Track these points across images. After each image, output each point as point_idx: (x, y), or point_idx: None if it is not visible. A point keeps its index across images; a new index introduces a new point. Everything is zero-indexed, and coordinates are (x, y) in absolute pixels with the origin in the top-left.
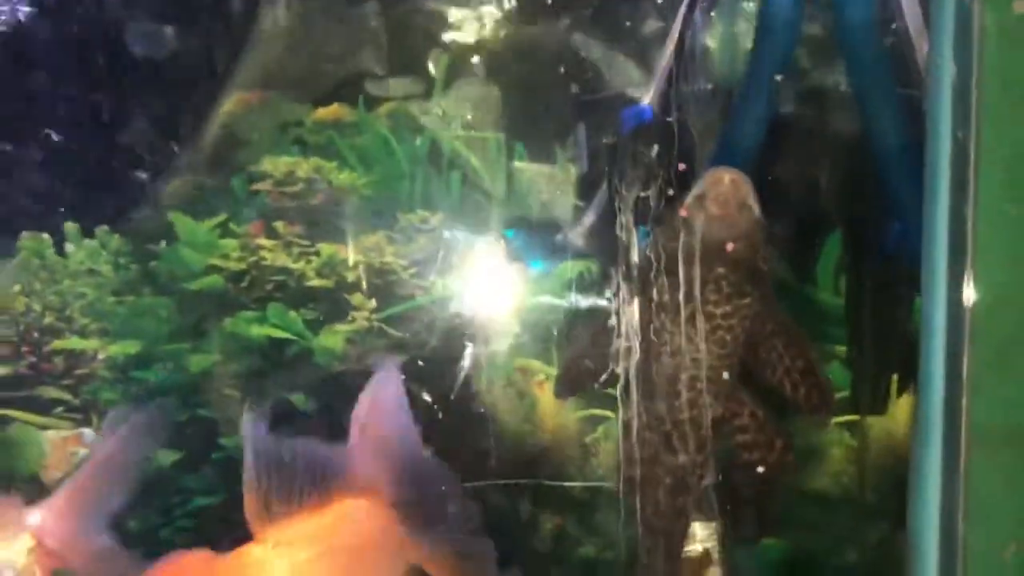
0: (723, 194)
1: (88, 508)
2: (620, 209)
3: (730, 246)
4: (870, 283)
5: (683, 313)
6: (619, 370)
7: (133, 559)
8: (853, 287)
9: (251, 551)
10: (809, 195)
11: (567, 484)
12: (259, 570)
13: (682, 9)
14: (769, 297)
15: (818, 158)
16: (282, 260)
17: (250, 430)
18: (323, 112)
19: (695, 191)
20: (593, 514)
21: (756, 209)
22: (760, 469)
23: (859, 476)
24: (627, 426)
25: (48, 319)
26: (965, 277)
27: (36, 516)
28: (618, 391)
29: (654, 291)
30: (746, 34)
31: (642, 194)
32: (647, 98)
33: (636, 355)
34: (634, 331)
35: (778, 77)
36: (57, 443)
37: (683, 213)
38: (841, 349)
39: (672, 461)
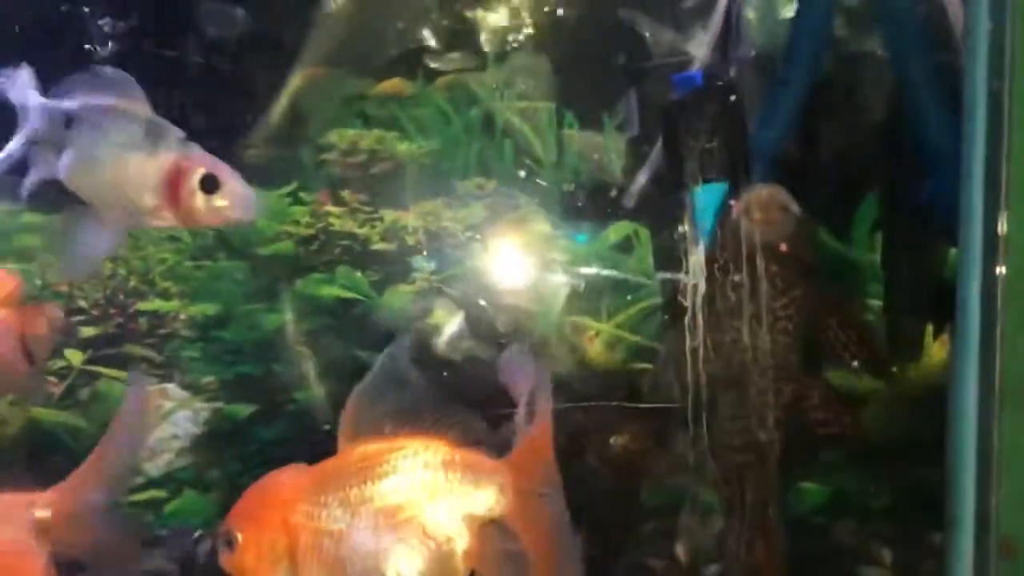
0: (763, 202)
1: (98, 489)
2: (684, 161)
3: (782, 247)
4: (905, 238)
5: (745, 314)
6: (687, 303)
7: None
8: (889, 243)
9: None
10: (847, 157)
11: (640, 406)
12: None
13: None
14: (817, 282)
15: (856, 121)
16: (348, 226)
17: (393, 349)
18: (385, 86)
19: (740, 205)
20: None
21: (795, 208)
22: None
23: (895, 420)
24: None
25: (133, 283)
26: (1000, 221)
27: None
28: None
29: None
30: (784, 3)
31: (707, 145)
32: (697, 64)
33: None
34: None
35: (819, 47)
36: None
37: (735, 220)
38: (877, 303)
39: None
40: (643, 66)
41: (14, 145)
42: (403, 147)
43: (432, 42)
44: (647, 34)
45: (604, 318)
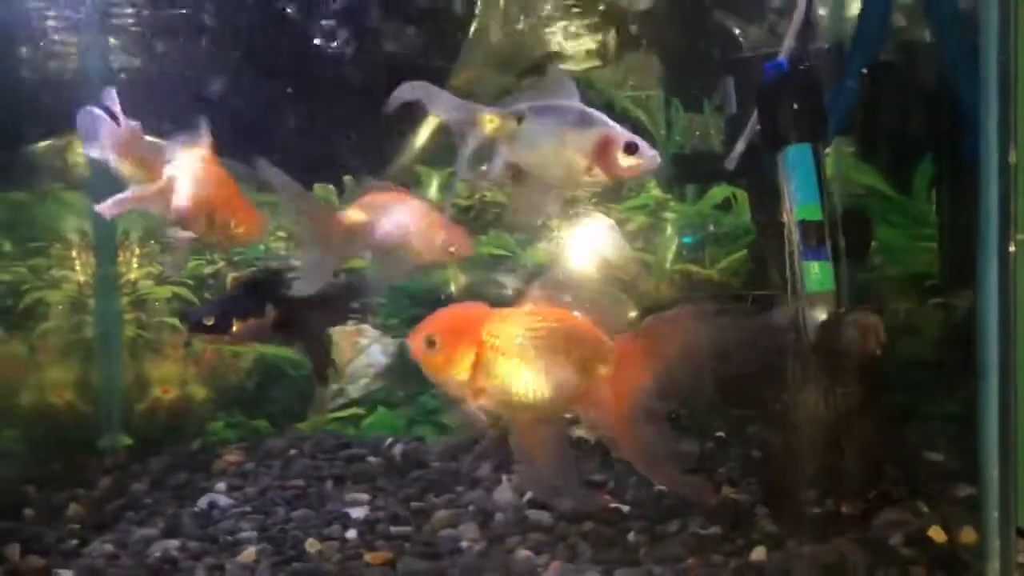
0: (867, 327)
1: None
2: (775, 129)
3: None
4: (955, 188)
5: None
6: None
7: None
8: (942, 193)
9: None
10: (906, 125)
11: None
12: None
13: None
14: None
15: (912, 95)
16: (499, 197)
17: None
18: (525, 83)
19: (849, 318)
20: None
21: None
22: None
23: (948, 341)
24: None
25: None
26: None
27: None
28: None
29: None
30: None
31: (793, 116)
32: (782, 54)
33: None
34: None
35: (880, 36)
36: (345, 335)
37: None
38: (932, 245)
39: None
40: (735, 57)
41: (466, 147)
42: None
43: (563, 46)
44: (737, 31)
45: (707, 265)
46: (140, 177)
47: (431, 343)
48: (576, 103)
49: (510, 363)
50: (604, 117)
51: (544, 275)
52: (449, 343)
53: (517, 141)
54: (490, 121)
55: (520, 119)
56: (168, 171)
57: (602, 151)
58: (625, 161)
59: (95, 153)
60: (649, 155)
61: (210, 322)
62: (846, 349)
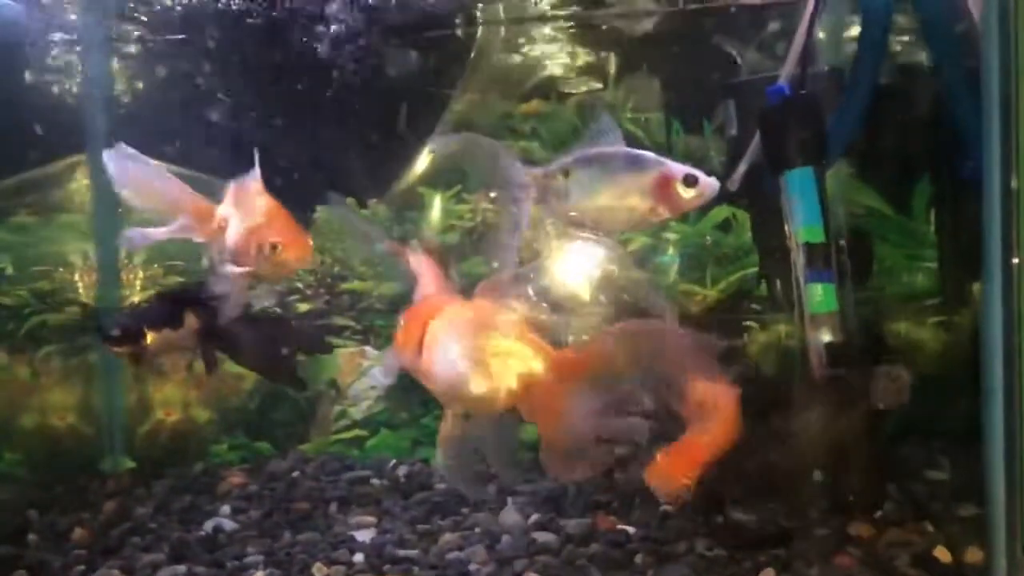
0: (896, 377)
1: None
2: (777, 153)
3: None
4: (954, 208)
5: None
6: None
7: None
8: (941, 213)
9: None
10: (905, 146)
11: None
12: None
13: (810, 7)
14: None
15: (911, 117)
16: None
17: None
18: (526, 107)
19: (880, 370)
20: None
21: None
22: None
23: (949, 359)
24: None
25: (337, 268)
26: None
27: None
28: None
29: None
30: (848, 25)
31: (794, 140)
32: (782, 78)
33: None
34: None
35: (879, 59)
36: (347, 356)
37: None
38: (932, 265)
39: None
40: (735, 81)
41: (522, 210)
42: (542, 154)
43: (565, 71)
44: (736, 55)
45: (708, 285)
46: (166, 213)
47: (400, 324)
48: (622, 147)
49: (440, 348)
50: (654, 156)
51: (491, 277)
52: (408, 326)
53: (568, 195)
54: (538, 180)
55: (567, 173)
56: (220, 211)
57: (662, 189)
58: (687, 193)
59: (126, 192)
60: (708, 182)
61: (117, 333)
62: (875, 399)
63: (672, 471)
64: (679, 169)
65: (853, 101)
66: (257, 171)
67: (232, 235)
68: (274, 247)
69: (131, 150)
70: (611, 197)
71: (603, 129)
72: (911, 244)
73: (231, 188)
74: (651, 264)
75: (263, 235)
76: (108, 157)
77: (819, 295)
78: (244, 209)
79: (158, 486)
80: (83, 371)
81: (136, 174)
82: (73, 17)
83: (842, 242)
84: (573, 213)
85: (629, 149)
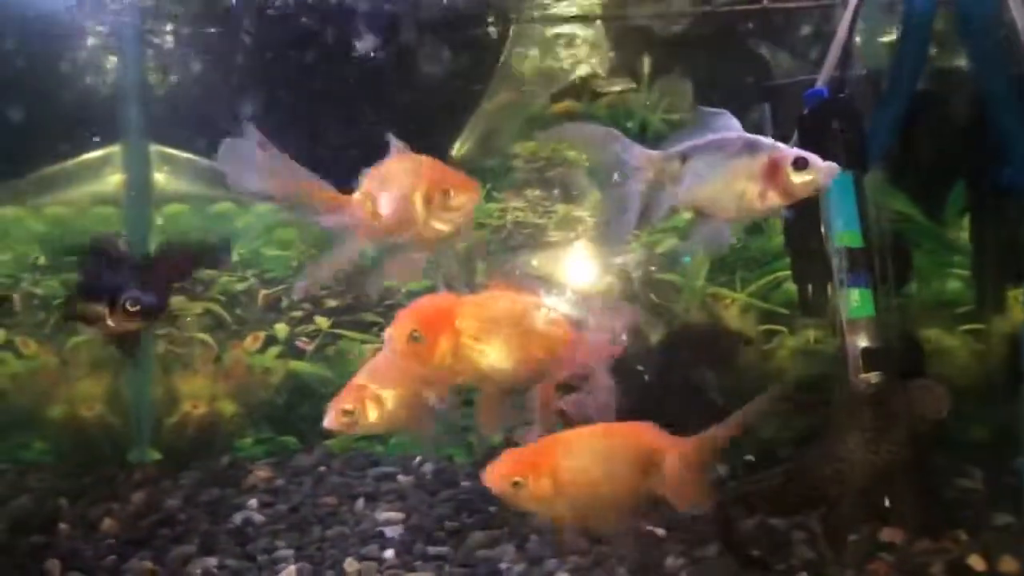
0: (936, 394)
1: None
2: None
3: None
4: (989, 216)
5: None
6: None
7: None
8: (976, 221)
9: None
10: (939, 153)
11: None
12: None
13: (850, 10)
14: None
15: (947, 123)
16: (530, 217)
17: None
18: (558, 107)
19: (918, 383)
20: None
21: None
22: None
23: (983, 366)
24: None
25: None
26: None
27: None
28: None
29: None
30: (886, 30)
31: (832, 144)
32: (820, 81)
33: None
34: None
35: (918, 64)
36: (374, 352)
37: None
38: (965, 272)
39: None
40: (772, 84)
41: (634, 193)
42: (572, 155)
43: (598, 71)
44: (768, 58)
45: (738, 289)
46: (298, 199)
47: (416, 338)
48: (739, 133)
49: (483, 346)
50: (770, 141)
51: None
52: (432, 337)
53: (683, 181)
54: (654, 163)
55: (684, 158)
56: (359, 196)
57: (772, 173)
58: (798, 178)
59: (250, 185)
60: (822, 166)
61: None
62: (913, 412)
63: (502, 470)
64: (790, 152)
65: (891, 106)
66: (395, 152)
67: (391, 203)
68: (445, 192)
69: (259, 135)
70: (722, 182)
71: (715, 116)
72: (943, 251)
73: (367, 174)
74: (680, 266)
75: (430, 185)
76: (231, 145)
77: (856, 300)
78: (393, 179)
79: (185, 478)
80: (112, 362)
81: (265, 162)
82: (108, 7)
83: (882, 248)
84: (685, 198)
85: (747, 134)
